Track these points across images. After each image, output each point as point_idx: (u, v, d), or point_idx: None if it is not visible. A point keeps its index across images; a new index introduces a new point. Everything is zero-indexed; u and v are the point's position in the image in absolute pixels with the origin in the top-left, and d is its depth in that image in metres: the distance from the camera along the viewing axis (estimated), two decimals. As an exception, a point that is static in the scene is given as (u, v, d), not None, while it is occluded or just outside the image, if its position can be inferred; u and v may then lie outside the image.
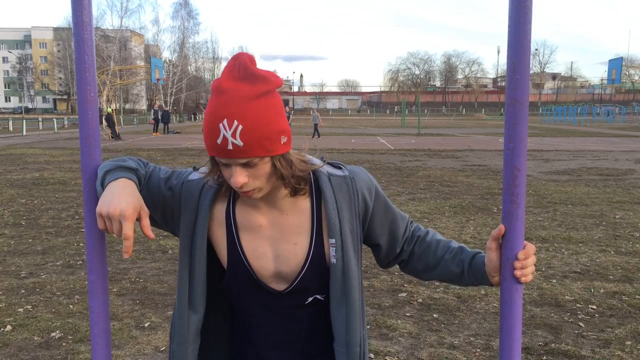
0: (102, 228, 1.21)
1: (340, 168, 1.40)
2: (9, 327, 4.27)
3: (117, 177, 1.26)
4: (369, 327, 4.31)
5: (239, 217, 1.36)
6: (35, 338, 4.11)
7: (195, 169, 1.42)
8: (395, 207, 1.49)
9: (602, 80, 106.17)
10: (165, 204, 1.38)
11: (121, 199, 1.20)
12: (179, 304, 1.39)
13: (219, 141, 1.19)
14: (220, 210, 1.37)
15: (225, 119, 1.18)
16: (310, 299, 1.39)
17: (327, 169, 1.37)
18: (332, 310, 1.37)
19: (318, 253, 1.34)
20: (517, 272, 1.19)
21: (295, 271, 1.35)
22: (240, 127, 1.17)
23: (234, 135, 1.18)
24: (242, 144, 1.18)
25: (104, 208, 1.20)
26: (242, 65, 1.21)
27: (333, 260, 1.33)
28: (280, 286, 1.37)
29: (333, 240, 1.32)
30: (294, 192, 1.32)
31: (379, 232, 1.44)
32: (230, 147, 1.19)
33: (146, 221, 1.23)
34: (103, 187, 1.25)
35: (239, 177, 1.22)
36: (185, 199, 1.36)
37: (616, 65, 39.15)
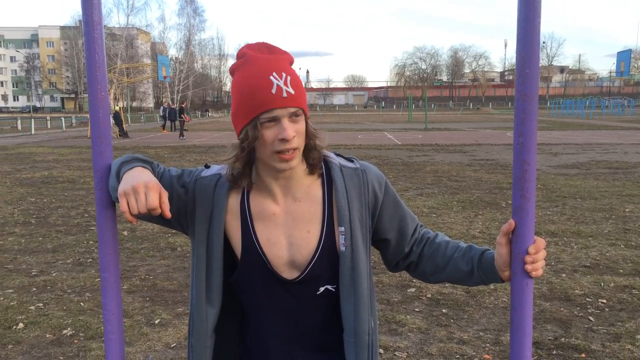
0: (124, 209, 1.19)
1: (352, 161, 1.44)
2: (21, 325, 4.31)
3: (134, 166, 1.28)
4: (378, 322, 4.31)
5: (253, 207, 1.39)
6: (47, 335, 4.14)
7: (207, 166, 1.45)
8: (406, 206, 1.50)
9: (610, 72, 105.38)
10: (179, 201, 1.39)
11: (142, 177, 1.23)
12: (197, 298, 1.41)
13: (273, 90, 1.25)
14: (235, 202, 1.40)
15: (274, 72, 1.27)
16: (321, 289, 1.39)
17: (340, 160, 1.42)
18: (341, 299, 1.38)
19: (329, 241, 1.37)
20: (528, 267, 1.19)
21: (307, 259, 1.37)
22: (289, 77, 1.28)
23: (286, 83, 1.26)
24: (293, 92, 1.27)
25: (127, 186, 1.20)
26: (262, 45, 1.34)
27: (342, 248, 1.35)
28: (292, 274, 1.38)
29: (342, 229, 1.35)
30: (311, 169, 1.37)
31: (387, 226, 1.44)
32: (285, 94, 1.26)
33: (166, 200, 1.22)
34: (119, 177, 1.27)
35: (290, 130, 1.26)
36: (200, 195, 1.39)
37: (625, 57, 38.83)
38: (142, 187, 1.19)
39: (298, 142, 1.29)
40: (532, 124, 1.15)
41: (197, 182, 1.40)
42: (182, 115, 29.42)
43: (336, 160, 1.42)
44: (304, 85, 1.37)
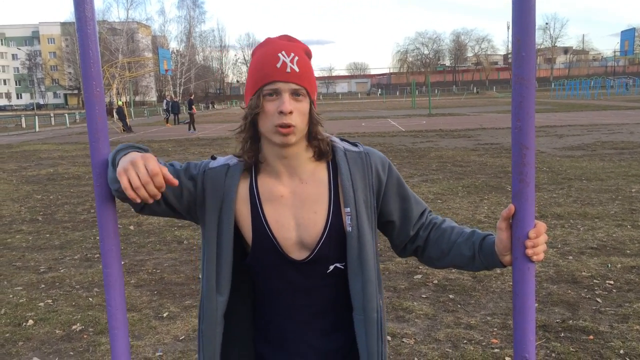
0: (126, 185, 1.17)
1: (356, 145, 1.49)
2: (30, 322, 4.35)
3: (129, 152, 1.29)
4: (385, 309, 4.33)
5: (261, 190, 1.43)
6: (57, 331, 4.18)
7: (213, 158, 1.49)
8: (412, 191, 1.53)
9: (614, 52, 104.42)
10: (189, 194, 1.43)
11: (139, 154, 1.23)
12: (206, 285, 1.45)
13: (278, 65, 1.33)
14: (244, 188, 1.44)
15: (284, 50, 1.35)
16: (331, 268, 1.44)
17: (344, 145, 1.47)
18: (349, 278, 1.43)
19: (336, 222, 1.41)
20: (529, 251, 1.19)
21: (315, 239, 1.41)
22: (297, 57, 1.35)
23: (292, 61, 1.34)
24: (298, 70, 1.34)
25: (125, 163, 1.20)
26: (284, 35, 1.44)
27: (349, 228, 1.40)
28: (301, 255, 1.43)
29: (348, 209, 1.40)
30: (319, 155, 1.42)
31: (392, 207, 1.48)
32: (288, 69, 1.33)
33: (167, 171, 1.21)
34: (115, 164, 1.26)
35: (288, 104, 1.31)
36: (210, 185, 1.43)
37: (629, 36, 38.49)
38: (140, 160, 1.19)
39: (297, 120, 1.33)
40: (529, 107, 1.15)
41: (207, 173, 1.44)
42: (192, 107, 29.00)
43: (340, 144, 1.46)
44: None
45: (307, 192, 1.42)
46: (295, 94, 1.33)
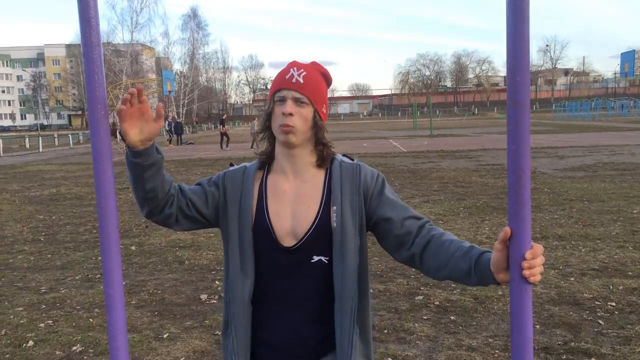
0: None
1: (352, 160, 1.73)
2: (31, 343, 4.34)
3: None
4: (386, 331, 4.31)
5: (269, 187, 1.69)
6: (57, 352, 4.16)
7: (231, 165, 1.77)
8: (403, 202, 1.69)
9: (615, 73, 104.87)
10: (213, 197, 1.70)
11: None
12: (232, 270, 1.66)
13: (287, 76, 1.63)
14: (256, 185, 1.70)
15: (296, 67, 1.66)
16: (315, 259, 1.63)
17: (343, 158, 1.73)
18: (333, 270, 1.62)
19: (324, 217, 1.63)
20: (526, 272, 1.21)
21: (304, 230, 1.63)
22: (305, 73, 1.64)
23: (299, 75, 1.63)
24: (302, 81, 1.62)
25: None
26: (312, 62, 1.73)
27: (334, 224, 1.62)
28: (290, 242, 1.63)
29: (335, 208, 1.63)
30: (321, 160, 1.68)
31: (382, 210, 1.64)
32: (294, 80, 1.62)
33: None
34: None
35: (290, 107, 1.59)
36: (230, 182, 1.70)
37: (629, 58, 38.65)
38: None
39: (297, 122, 1.59)
40: (524, 130, 1.17)
41: (226, 175, 1.72)
42: (224, 127, 30.19)
43: (339, 158, 1.73)
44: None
45: (304, 190, 1.66)
46: (298, 101, 1.60)
